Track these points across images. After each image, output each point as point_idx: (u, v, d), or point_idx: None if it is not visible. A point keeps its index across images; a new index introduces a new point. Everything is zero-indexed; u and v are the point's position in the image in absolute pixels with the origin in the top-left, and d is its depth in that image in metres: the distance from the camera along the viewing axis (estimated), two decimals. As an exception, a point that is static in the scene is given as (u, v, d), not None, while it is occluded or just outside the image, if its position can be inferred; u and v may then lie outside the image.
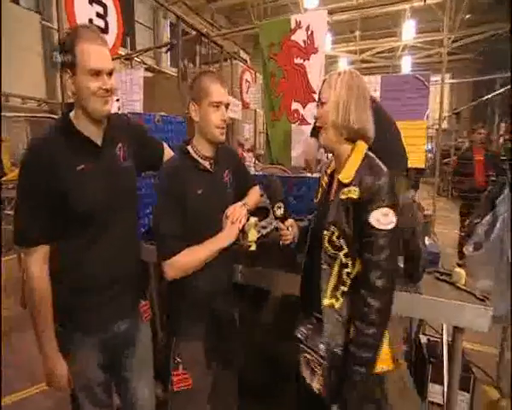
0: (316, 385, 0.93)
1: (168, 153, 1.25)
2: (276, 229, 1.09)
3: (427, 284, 1.30)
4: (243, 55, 11.19)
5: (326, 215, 0.92)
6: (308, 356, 0.95)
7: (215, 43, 3.24)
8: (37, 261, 0.91)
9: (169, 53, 11.09)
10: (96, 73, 0.87)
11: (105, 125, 0.98)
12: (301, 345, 0.98)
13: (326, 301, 0.91)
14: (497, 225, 1.87)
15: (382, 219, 0.81)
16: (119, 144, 1.02)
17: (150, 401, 1.17)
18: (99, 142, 0.97)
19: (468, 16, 9.68)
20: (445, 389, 1.44)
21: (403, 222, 1.33)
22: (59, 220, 0.91)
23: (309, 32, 2.19)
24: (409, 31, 8.86)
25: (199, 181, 1.03)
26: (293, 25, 2.30)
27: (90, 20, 1.70)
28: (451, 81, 11.48)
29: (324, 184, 1.02)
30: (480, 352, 2.37)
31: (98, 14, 1.72)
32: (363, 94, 0.90)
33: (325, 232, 0.90)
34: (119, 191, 1.00)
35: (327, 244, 0.90)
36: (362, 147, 0.91)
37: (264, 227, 1.09)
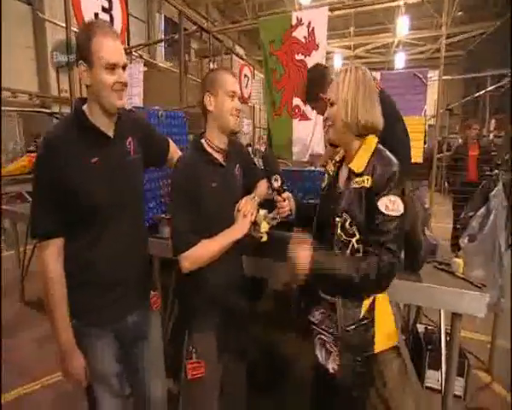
0: (331, 365, 0.98)
1: (174, 149, 1.27)
2: (274, 202, 1.12)
3: (426, 273, 1.36)
4: (239, 50, 11.12)
5: (337, 203, 0.95)
6: (324, 337, 1.00)
7: (216, 37, 3.23)
8: (52, 254, 0.92)
9: (163, 47, 10.95)
10: (112, 67, 0.89)
11: (116, 119, 1.00)
12: (315, 328, 1.03)
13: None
14: (491, 217, 1.95)
15: (390, 205, 0.86)
16: (129, 138, 1.04)
17: (162, 391, 1.20)
18: (110, 134, 0.98)
19: (459, 13, 9.81)
20: (443, 375, 1.52)
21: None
22: (72, 214, 0.93)
23: (310, 29, 2.22)
24: (403, 27, 8.92)
25: (213, 175, 1.06)
26: (294, 21, 2.32)
27: (96, 15, 1.70)
28: (447, 77, 11.61)
29: (331, 172, 1.05)
30: (471, 339, 2.47)
31: (104, 8, 1.71)
32: (369, 89, 0.92)
33: (338, 219, 0.94)
34: (128, 184, 1.03)
35: (340, 231, 0.93)
36: (372, 140, 0.95)
37: (273, 219, 1.12)
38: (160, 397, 1.19)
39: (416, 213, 1.35)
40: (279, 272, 1.47)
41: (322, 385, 1.09)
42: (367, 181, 0.89)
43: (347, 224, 0.91)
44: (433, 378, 1.96)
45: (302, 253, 0.92)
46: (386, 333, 0.95)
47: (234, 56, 4.57)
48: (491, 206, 1.95)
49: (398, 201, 0.86)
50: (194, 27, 3.03)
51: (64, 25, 1.73)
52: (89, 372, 0.99)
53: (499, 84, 5.33)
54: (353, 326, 0.94)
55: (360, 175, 0.91)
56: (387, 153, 0.92)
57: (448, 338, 1.63)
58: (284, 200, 1.08)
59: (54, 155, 0.89)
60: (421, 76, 2.13)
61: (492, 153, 3.91)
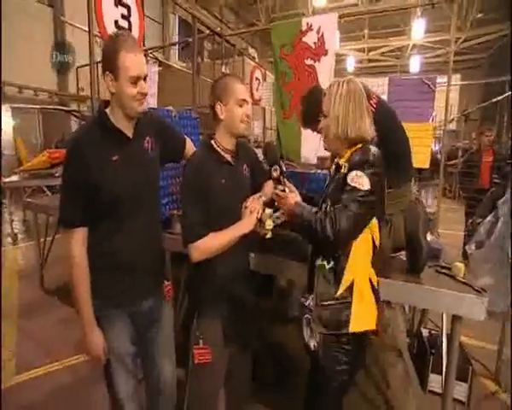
0: (313, 343, 1.04)
1: (190, 146, 1.35)
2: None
3: (427, 276, 1.39)
4: (251, 50, 11.20)
5: (326, 192, 1.08)
6: (309, 316, 1.06)
7: (227, 41, 3.31)
8: (78, 242, 1.03)
9: (177, 48, 11.15)
10: (135, 80, 0.99)
11: (135, 121, 1.09)
12: (304, 308, 1.09)
13: (319, 262, 1.04)
14: (499, 225, 1.94)
15: (356, 178, 0.93)
16: (147, 137, 1.14)
17: (172, 376, 1.28)
18: (130, 134, 1.08)
19: (479, 15, 9.57)
20: (443, 378, 1.53)
21: (406, 218, 1.42)
22: (95, 206, 1.02)
23: (319, 35, 2.26)
24: (418, 30, 8.78)
25: (222, 172, 1.13)
26: (304, 27, 2.36)
27: (116, 22, 1.80)
28: (459, 83, 11.33)
29: (331, 171, 1.15)
30: (480, 348, 2.45)
31: (123, 16, 1.82)
32: (359, 102, 1.00)
33: (323, 205, 1.05)
34: (146, 180, 1.13)
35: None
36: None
37: (278, 217, 1.18)
38: (170, 381, 1.27)
39: (418, 215, 1.37)
40: (283, 268, 1.54)
41: (311, 364, 1.16)
42: (344, 168, 0.98)
43: (328, 207, 1.00)
44: (436, 382, 1.96)
45: (291, 196, 1.06)
46: (362, 316, 1.00)
47: (246, 58, 4.64)
48: (500, 213, 1.94)
49: (364, 177, 0.93)
50: (208, 30, 3.11)
51: (86, 28, 1.83)
52: (106, 350, 1.08)
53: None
54: (328, 302, 1.00)
55: (342, 166, 1.00)
56: (369, 148, 0.98)
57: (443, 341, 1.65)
58: (284, 190, 1.08)
59: (80, 154, 1.00)
60: (429, 82, 2.14)
61: (508, 160, 3.83)
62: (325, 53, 2.28)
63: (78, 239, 1.03)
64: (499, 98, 5.28)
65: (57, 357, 2.26)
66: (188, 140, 1.36)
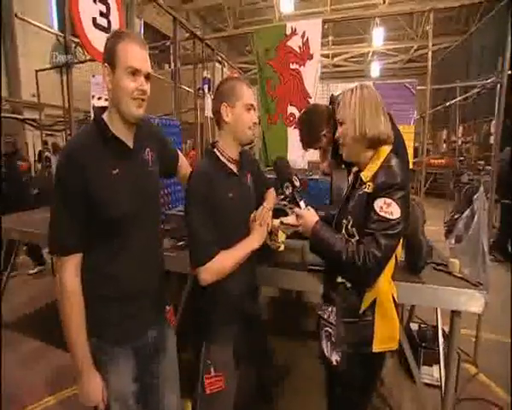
0: (335, 357, 1.01)
1: (183, 160, 1.26)
2: (282, 211, 1.12)
3: (426, 274, 1.44)
4: (217, 56, 11.12)
5: (345, 207, 1.04)
6: (329, 330, 1.04)
7: (208, 45, 3.23)
8: (71, 270, 0.88)
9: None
10: (134, 73, 0.88)
11: (135, 129, 0.98)
12: (322, 320, 1.07)
13: (339, 279, 1.02)
14: (475, 219, 2.09)
15: (385, 207, 0.90)
16: (147, 148, 1.02)
17: (177, 408, 1.16)
18: (130, 144, 0.96)
19: (427, 28, 10.47)
20: (442, 371, 1.60)
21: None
22: (93, 227, 0.89)
23: (304, 39, 2.29)
24: (378, 37, 9.44)
25: (228, 185, 1.05)
26: (288, 31, 2.38)
27: (94, 19, 1.65)
28: (421, 88, 12.24)
29: (350, 181, 1.12)
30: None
31: (101, 13, 1.66)
32: (375, 103, 1.00)
33: (344, 221, 1.01)
34: (148, 196, 1.00)
35: (344, 232, 1.00)
36: (384, 150, 1.01)
37: (287, 228, 1.13)
38: None
39: (417, 216, 1.42)
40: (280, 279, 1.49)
41: (328, 377, 1.15)
42: (369, 187, 0.96)
43: (349, 225, 0.98)
44: (428, 374, 2.05)
45: (311, 215, 1.01)
46: (386, 335, 0.99)
47: (216, 63, 4.56)
48: (475, 208, 2.09)
49: (394, 205, 0.90)
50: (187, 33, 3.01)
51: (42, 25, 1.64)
52: (106, 395, 0.94)
53: (467, 94, 5.76)
54: (351, 319, 0.99)
55: (366, 183, 0.98)
56: (394, 166, 0.97)
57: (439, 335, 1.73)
58: (299, 207, 1.05)
59: (78, 165, 0.85)
60: (410, 87, 2.26)
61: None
62: (310, 57, 2.31)
63: (72, 268, 0.88)
64: (452, 102, 5.80)
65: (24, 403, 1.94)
66: (181, 154, 1.26)
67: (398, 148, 1.48)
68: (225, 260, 1.00)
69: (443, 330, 1.75)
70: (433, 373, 2.04)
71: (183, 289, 1.82)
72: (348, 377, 1.01)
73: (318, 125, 1.53)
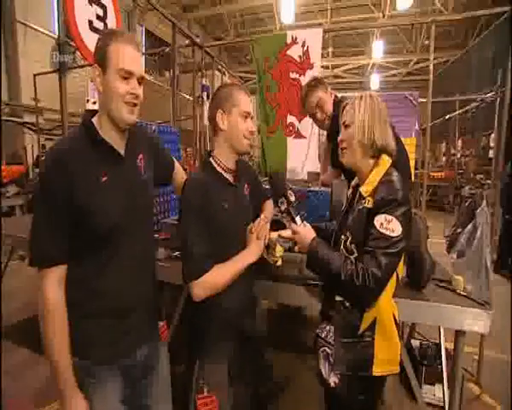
0: (333, 379, 0.97)
1: (178, 168, 1.21)
2: (279, 222, 1.06)
3: (429, 291, 1.38)
4: (218, 65, 11.25)
5: (344, 222, 1.01)
6: (328, 350, 0.99)
7: (207, 53, 3.23)
8: (53, 283, 0.81)
9: (144, 60, 10.82)
10: (126, 76, 0.83)
11: (127, 135, 0.93)
12: (320, 340, 1.02)
13: (338, 298, 0.98)
14: (477, 234, 2.03)
15: (385, 223, 0.87)
16: (140, 155, 0.97)
17: None
18: (122, 151, 0.91)
19: (426, 42, 10.66)
20: (445, 390, 1.53)
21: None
22: (79, 237, 0.83)
23: (305, 48, 2.27)
24: (378, 50, 9.58)
25: (224, 195, 1.00)
26: (288, 40, 2.36)
27: (90, 22, 1.61)
28: (422, 100, 12.40)
29: (348, 195, 1.08)
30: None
31: (98, 17, 1.63)
32: (384, 114, 0.98)
33: (342, 237, 0.98)
34: (139, 206, 0.94)
35: (342, 248, 0.97)
36: (385, 162, 0.97)
37: (285, 241, 1.07)
38: None
39: (419, 230, 1.37)
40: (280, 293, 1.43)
41: (326, 397, 1.11)
42: (368, 202, 0.92)
43: (348, 241, 0.95)
44: (430, 393, 1.97)
45: (307, 231, 0.97)
46: (387, 358, 0.95)
47: (216, 71, 4.57)
48: (477, 222, 2.04)
49: (395, 221, 0.87)
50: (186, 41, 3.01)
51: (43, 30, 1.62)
52: None
53: (467, 108, 5.80)
54: (350, 340, 0.95)
55: (366, 197, 0.94)
56: (395, 181, 0.93)
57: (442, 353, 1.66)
58: (295, 222, 1.00)
59: (64, 170, 0.79)
60: (411, 98, 2.23)
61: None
62: (311, 67, 2.29)
63: (54, 281, 0.82)
64: (452, 114, 5.83)
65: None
66: (176, 163, 1.21)
67: (401, 160, 1.45)
68: (220, 275, 0.94)
69: (446, 348, 1.68)
70: (436, 393, 1.96)
71: (177, 300, 1.75)
72: (347, 399, 0.98)
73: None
